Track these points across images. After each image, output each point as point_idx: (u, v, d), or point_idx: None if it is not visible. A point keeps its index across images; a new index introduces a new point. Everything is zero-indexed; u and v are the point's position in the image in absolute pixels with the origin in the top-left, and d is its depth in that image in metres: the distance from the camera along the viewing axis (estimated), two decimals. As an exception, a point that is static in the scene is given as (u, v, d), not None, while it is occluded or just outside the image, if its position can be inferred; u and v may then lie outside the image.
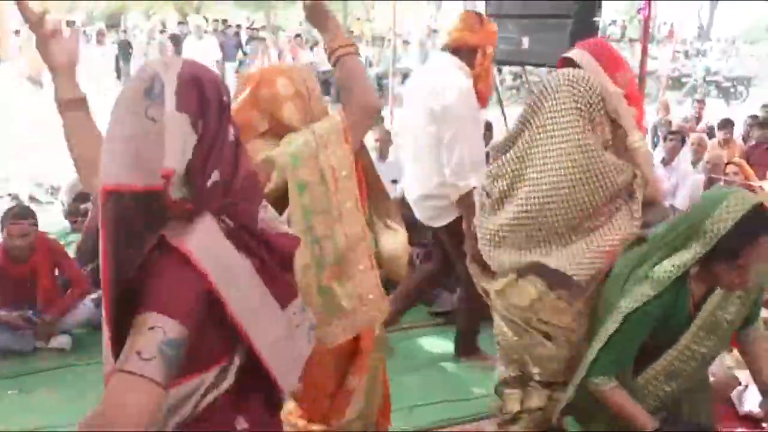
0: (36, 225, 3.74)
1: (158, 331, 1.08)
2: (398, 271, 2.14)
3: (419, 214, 3.45)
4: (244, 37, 15.37)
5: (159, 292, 1.12)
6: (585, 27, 4.97)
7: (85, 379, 3.40)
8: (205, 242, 1.17)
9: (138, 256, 1.14)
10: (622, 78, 2.44)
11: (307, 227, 1.77)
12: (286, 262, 1.33)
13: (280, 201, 1.74)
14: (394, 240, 2.10)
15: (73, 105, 1.58)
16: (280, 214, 1.67)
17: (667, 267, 2.03)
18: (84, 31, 14.81)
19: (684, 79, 16.70)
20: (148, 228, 1.15)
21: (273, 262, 1.28)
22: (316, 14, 1.90)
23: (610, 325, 2.06)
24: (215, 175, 1.18)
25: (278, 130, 1.87)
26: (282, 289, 1.30)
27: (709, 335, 2.09)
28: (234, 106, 1.71)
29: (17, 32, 17.21)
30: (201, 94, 1.18)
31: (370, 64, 15.04)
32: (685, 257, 2.01)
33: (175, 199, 1.16)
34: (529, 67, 7.06)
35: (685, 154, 6.34)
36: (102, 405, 1.06)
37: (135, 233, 1.14)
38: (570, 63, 2.46)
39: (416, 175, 3.41)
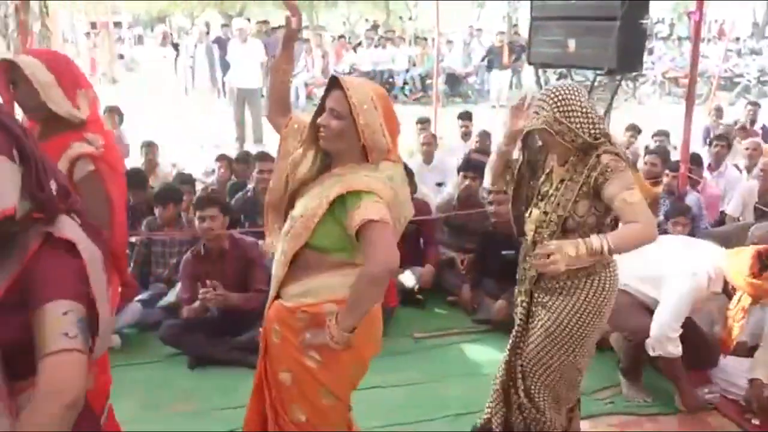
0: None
1: (71, 314, 1.24)
2: None
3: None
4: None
5: (58, 281, 1.26)
6: (632, 29, 4.87)
7: (134, 377, 3.48)
8: (77, 235, 1.34)
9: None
10: (84, 97, 2.24)
11: None
12: (109, 251, 1.49)
13: None
14: None
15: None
16: None
17: None
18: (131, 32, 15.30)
19: (736, 80, 16.17)
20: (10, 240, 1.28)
21: (106, 250, 1.44)
22: None
23: None
24: (53, 184, 1.34)
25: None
26: (110, 274, 1.47)
27: None
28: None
29: (88, 34, 18.05)
30: (6, 129, 1.29)
31: (414, 64, 14.98)
32: None
33: (22, 215, 1.29)
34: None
35: (732, 158, 6.15)
36: (46, 384, 1.19)
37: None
38: (12, 69, 2.16)
39: None
